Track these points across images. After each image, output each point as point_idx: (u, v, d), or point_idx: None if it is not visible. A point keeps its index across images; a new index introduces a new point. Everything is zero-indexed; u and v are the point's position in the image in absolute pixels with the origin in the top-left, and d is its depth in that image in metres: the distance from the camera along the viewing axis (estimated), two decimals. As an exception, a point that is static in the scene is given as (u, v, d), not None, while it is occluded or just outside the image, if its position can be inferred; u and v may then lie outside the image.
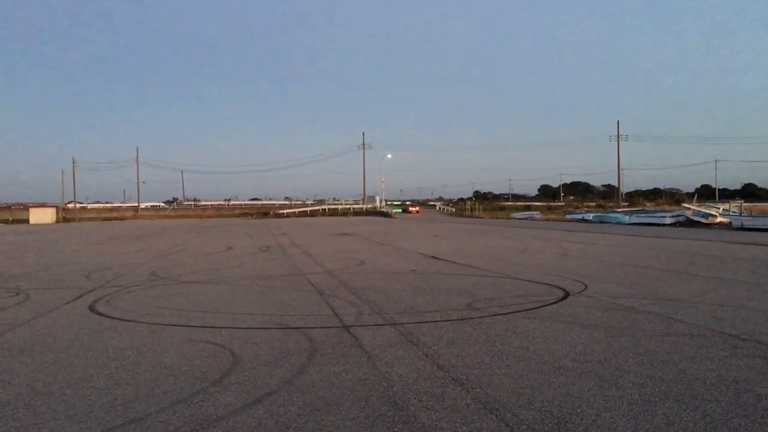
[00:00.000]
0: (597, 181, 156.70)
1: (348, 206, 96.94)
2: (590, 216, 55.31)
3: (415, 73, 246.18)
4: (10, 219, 79.44)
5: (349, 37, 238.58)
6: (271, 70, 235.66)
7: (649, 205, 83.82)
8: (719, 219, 39.41)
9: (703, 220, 40.24)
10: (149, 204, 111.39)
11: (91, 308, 9.81)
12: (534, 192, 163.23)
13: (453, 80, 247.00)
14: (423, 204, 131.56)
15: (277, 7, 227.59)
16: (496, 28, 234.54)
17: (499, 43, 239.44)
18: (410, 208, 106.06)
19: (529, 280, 12.46)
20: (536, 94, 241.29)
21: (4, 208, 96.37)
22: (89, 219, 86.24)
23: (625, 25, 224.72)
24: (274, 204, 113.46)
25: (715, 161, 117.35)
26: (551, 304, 9.51)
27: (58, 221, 79.20)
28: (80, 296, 11.21)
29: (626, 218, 47.57)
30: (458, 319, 8.31)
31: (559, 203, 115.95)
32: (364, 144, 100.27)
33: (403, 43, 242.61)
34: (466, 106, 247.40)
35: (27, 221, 75.19)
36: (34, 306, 10.17)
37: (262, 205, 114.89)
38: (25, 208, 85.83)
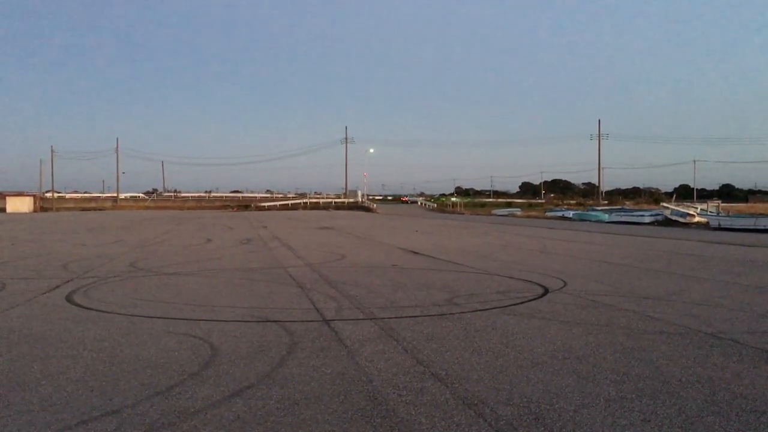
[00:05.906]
0: (577, 179, 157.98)
1: (330, 200, 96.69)
2: (570, 213, 55.70)
3: (398, 68, 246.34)
4: (-14, 207, 78.00)
5: (333, 31, 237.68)
6: (254, 63, 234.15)
7: (628, 204, 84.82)
8: (697, 219, 39.94)
9: (681, 220, 40.75)
10: (128, 195, 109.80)
11: (68, 299, 9.68)
12: (515, 189, 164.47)
13: (436, 77, 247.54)
14: None
15: (261, 0, 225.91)
16: (480, 26, 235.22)
17: (483, 40, 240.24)
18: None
19: (509, 277, 12.54)
20: (519, 91, 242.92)
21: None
22: (67, 209, 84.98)
23: (607, 25, 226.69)
24: (255, 197, 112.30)
25: (694, 161, 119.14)
26: (531, 300, 9.58)
27: (35, 210, 77.97)
28: (57, 287, 11.05)
29: (606, 216, 47.99)
30: (438, 315, 8.33)
31: (539, 200, 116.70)
32: (347, 138, 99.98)
33: (387, 38, 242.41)
34: (450, 103, 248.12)
35: (3, 210, 73.96)
36: (9, 296, 10.00)
37: (243, 197, 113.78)
38: (2, 196, 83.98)
